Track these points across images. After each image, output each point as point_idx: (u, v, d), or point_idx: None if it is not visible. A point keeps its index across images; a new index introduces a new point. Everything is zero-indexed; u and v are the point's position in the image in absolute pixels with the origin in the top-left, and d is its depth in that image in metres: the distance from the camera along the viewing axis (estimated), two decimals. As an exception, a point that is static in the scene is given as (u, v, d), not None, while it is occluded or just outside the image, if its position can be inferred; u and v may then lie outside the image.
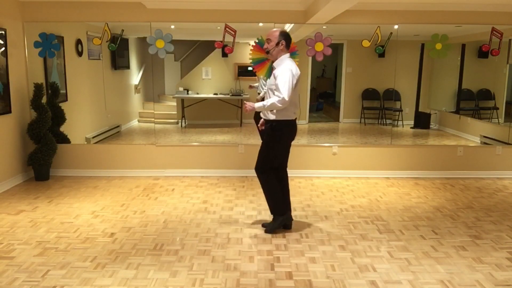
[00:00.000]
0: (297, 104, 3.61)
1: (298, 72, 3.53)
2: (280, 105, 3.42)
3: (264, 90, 5.95)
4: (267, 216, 4.09)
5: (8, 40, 4.96)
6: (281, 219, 3.71)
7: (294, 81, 3.46)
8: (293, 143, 3.76)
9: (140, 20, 5.34)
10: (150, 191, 4.92)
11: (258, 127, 3.92)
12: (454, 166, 5.66)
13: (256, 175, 3.71)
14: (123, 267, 3.06)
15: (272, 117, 3.56)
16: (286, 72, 3.43)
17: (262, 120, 3.74)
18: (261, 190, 4.93)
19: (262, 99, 5.91)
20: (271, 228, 3.71)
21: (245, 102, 3.68)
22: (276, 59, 3.58)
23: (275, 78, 3.49)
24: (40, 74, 5.49)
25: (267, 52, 3.59)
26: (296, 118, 3.64)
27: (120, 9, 5.30)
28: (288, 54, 3.59)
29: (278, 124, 3.55)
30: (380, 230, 3.80)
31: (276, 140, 3.61)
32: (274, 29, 3.59)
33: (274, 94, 3.49)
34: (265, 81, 5.88)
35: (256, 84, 6.15)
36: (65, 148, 5.59)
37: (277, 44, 3.53)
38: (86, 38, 6.01)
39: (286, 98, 3.38)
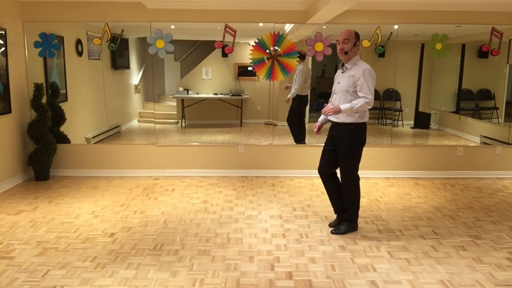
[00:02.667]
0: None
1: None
2: (369, 106, 3.40)
3: (292, 91, 6.06)
4: (267, 216, 4.10)
5: (8, 40, 4.96)
6: (353, 225, 3.72)
7: (374, 83, 3.43)
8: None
9: (140, 20, 5.34)
10: (150, 191, 4.92)
11: (315, 131, 3.81)
12: (454, 166, 5.66)
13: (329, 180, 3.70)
14: (123, 267, 3.06)
15: (350, 120, 3.49)
16: (368, 72, 3.39)
17: (319, 123, 3.69)
18: (261, 190, 4.95)
19: (295, 98, 6.01)
20: (342, 232, 3.69)
21: (325, 105, 3.55)
22: (350, 60, 3.50)
23: (354, 79, 3.42)
24: (40, 74, 5.49)
25: (345, 53, 3.46)
26: None
27: (120, 9, 5.30)
28: (359, 55, 3.53)
29: (359, 127, 3.51)
30: (380, 230, 3.80)
31: (360, 142, 3.56)
32: (347, 30, 3.49)
33: (352, 96, 3.43)
34: (300, 79, 5.96)
35: (290, 85, 6.21)
36: (65, 148, 5.59)
37: (355, 44, 3.46)
38: (86, 38, 6.00)
39: (372, 100, 3.38)
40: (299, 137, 6.05)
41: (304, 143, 5.98)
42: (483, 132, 6.52)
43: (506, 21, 5.37)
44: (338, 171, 3.74)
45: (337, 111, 3.41)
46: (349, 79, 3.46)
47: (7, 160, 5.05)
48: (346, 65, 3.53)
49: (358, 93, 3.42)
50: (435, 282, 2.88)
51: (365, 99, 3.37)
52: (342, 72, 3.56)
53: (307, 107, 6.51)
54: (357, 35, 3.48)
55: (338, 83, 3.58)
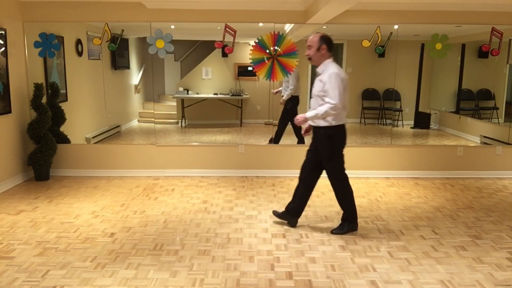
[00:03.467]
0: (345, 108, 3.52)
1: (346, 76, 3.46)
2: (333, 111, 3.38)
3: (287, 93, 6.09)
4: (267, 216, 4.10)
5: (8, 40, 4.96)
6: (352, 225, 3.72)
7: (343, 84, 3.40)
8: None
9: (140, 20, 5.34)
10: (150, 191, 4.92)
11: (302, 133, 3.85)
12: (454, 166, 5.66)
13: (333, 183, 3.71)
14: (123, 267, 3.06)
15: (324, 123, 3.49)
16: (334, 77, 3.37)
17: (308, 125, 3.69)
18: (261, 190, 4.95)
19: (289, 100, 6.02)
20: (340, 233, 3.70)
21: (296, 118, 3.59)
22: (319, 64, 3.51)
23: (323, 83, 3.42)
24: (40, 74, 5.49)
25: (309, 59, 3.51)
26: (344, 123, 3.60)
27: (120, 9, 5.30)
28: (331, 58, 3.51)
29: (334, 130, 3.51)
30: (380, 230, 3.80)
31: (337, 144, 3.57)
32: (314, 35, 3.51)
33: (323, 100, 3.43)
34: (288, 83, 6.02)
35: (280, 88, 6.23)
36: (65, 148, 5.59)
37: (318, 49, 3.47)
38: (86, 38, 6.00)
39: (338, 104, 3.35)
40: (278, 137, 6.05)
41: (304, 143, 5.98)
42: (483, 132, 6.52)
43: (506, 21, 5.37)
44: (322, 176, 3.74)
45: (304, 120, 3.52)
46: (319, 84, 3.49)
47: (7, 160, 5.05)
48: (317, 69, 3.55)
49: (324, 98, 3.42)
50: (435, 282, 2.88)
51: (329, 104, 3.37)
52: (316, 76, 3.59)
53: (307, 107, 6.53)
54: (322, 39, 3.47)
55: (314, 87, 3.62)
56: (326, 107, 3.38)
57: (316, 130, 3.60)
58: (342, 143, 3.61)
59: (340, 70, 3.45)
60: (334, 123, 3.49)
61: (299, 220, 3.96)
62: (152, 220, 4.00)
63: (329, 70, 3.42)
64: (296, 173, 5.56)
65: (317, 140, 3.63)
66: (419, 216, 4.17)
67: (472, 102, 7.13)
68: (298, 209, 3.83)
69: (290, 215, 3.84)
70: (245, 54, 5.87)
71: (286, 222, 3.89)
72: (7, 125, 5.03)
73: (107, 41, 5.34)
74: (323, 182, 5.31)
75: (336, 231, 3.70)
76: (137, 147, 5.70)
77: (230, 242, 3.52)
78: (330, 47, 3.50)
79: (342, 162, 3.68)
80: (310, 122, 3.62)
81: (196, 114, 7.85)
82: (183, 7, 5.29)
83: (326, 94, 3.41)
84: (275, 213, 3.95)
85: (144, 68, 7.99)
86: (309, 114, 3.48)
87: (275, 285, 2.83)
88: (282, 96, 6.15)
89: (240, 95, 7.74)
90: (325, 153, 3.60)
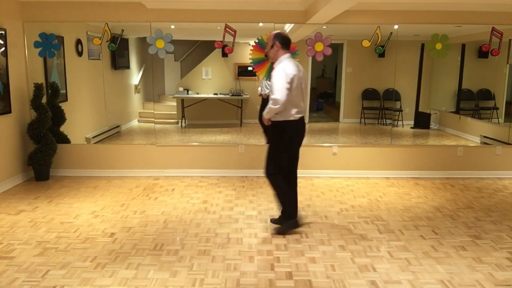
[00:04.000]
0: (299, 104, 3.53)
1: (294, 71, 3.43)
2: (274, 106, 3.38)
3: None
4: (267, 216, 4.10)
5: (8, 40, 4.96)
6: (293, 222, 3.69)
7: (288, 80, 3.39)
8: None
9: (140, 20, 5.34)
10: (150, 191, 4.92)
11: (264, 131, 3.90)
12: (454, 166, 5.66)
13: (268, 179, 3.68)
14: (123, 267, 3.06)
15: (275, 119, 3.52)
16: (278, 72, 3.41)
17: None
18: (261, 190, 4.95)
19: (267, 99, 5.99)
20: (283, 230, 3.69)
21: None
22: (275, 61, 3.56)
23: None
24: (40, 74, 5.49)
25: (266, 56, 3.61)
26: (300, 119, 3.57)
27: (120, 9, 5.30)
28: (287, 54, 3.54)
29: (279, 125, 3.53)
30: (380, 230, 3.80)
31: (279, 140, 3.58)
32: (271, 33, 3.60)
33: None
34: (269, 82, 5.92)
35: (259, 88, 6.17)
36: (65, 148, 5.59)
37: (272, 46, 3.52)
38: (86, 38, 6.01)
39: (279, 98, 3.34)
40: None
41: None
42: (483, 132, 6.52)
43: (506, 21, 5.37)
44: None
45: (264, 118, 3.58)
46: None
47: (7, 160, 5.05)
48: (273, 65, 3.61)
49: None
50: (435, 282, 2.88)
51: (271, 100, 3.41)
52: None
53: (307, 107, 6.51)
54: (275, 37, 3.52)
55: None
56: (269, 104, 3.42)
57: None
58: (287, 141, 3.59)
59: (289, 66, 3.45)
60: (280, 118, 3.50)
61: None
62: (152, 220, 4.00)
63: (277, 66, 3.48)
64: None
65: (269, 134, 3.69)
66: (419, 216, 4.17)
67: (472, 102, 7.13)
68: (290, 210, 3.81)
69: (286, 219, 3.79)
70: (245, 54, 5.87)
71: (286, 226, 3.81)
72: (7, 125, 5.04)
73: (107, 41, 5.33)
74: (323, 182, 5.33)
75: (277, 231, 3.70)
76: (137, 147, 5.70)
77: (230, 242, 3.52)
78: (284, 44, 3.53)
79: (291, 159, 3.66)
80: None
81: (196, 114, 7.86)
82: (183, 7, 5.29)
83: (270, 90, 3.48)
84: (273, 220, 3.91)
85: (144, 68, 8.00)
86: (264, 112, 3.53)
87: (275, 285, 2.83)
88: (260, 95, 5.92)
89: (240, 95, 7.75)
90: (270, 146, 3.64)
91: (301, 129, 3.63)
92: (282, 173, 3.64)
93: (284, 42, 3.53)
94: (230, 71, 7.94)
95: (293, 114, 3.52)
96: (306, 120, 7.12)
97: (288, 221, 3.69)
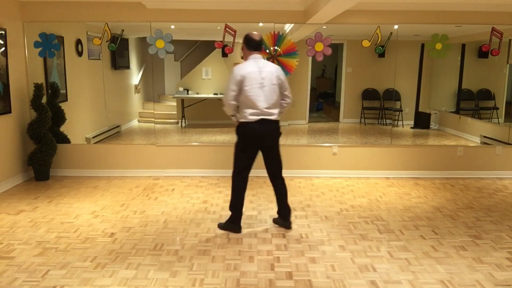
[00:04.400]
0: (256, 106, 3.41)
1: (244, 72, 3.40)
2: (224, 107, 3.50)
3: None
4: (267, 216, 4.10)
5: (8, 40, 4.96)
6: (232, 225, 3.72)
7: (234, 82, 3.39)
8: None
9: (140, 20, 5.34)
10: (150, 191, 4.92)
11: None
12: (454, 166, 5.66)
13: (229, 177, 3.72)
14: (123, 267, 3.06)
15: (237, 118, 3.59)
16: (231, 73, 3.47)
17: None
18: (261, 190, 4.95)
19: None
20: (221, 227, 3.76)
21: None
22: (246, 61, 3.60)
23: None
24: (40, 74, 5.49)
25: (242, 58, 3.66)
26: (258, 121, 3.44)
27: (120, 9, 5.30)
28: (253, 55, 3.53)
29: (238, 125, 3.56)
30: (380, 230, 3.80)
31: (238, 140, 3.60)
32: None
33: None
34: None
35: None
36: (65, 148, 5.59)
37: (242, 48, 3.60)
38: (86, 38, 6.01)
39: (223, 99, 3.46)
40: None
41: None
42: (483, 132, 6.52)
43: (506, 21, 5.37)
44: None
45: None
46: None
47: (7, 160, 5.05)
48: None
49: None
50: (435, 282, 2.88)
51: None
52: None
53: (307, 107, 6.51)
54: (243, 39, 3.58)
55: None
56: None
57: None
58: (241, 142, 3.57)
59: (242, 66, 3.45)
60: (239, 119, 3.53)
61: (300, 220, 3.97)
62: (152, 220, 4.00)
63: None
64: (296, 173, 5.59)
65: None
66: (419, 216, 4.17)
67: (472, 102, 7.13)
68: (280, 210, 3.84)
69: (231, 222, 3.78)
70: (245, 54, 5.87)
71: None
72: (7, 125, 5.04)
73: (107, 41, 5.33)
74: (323, 182, 5.33)
75: (220, 224, 3.78)
76: (137, 147, 5.70)
77: (230, 242, 3.52)
78: (248, 45, 3.54)
79: (246, 160, 3.60)
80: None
81: (196, 114, 7.85)
82: (183, 7, 5.29)
83: None
84: (274, 220, 3.93)
85: (144, 68, 8.00)
86: None
87: (275, 285, 2.83)
88: None
89: (240, 95, 7.72)
90: (234, 145, 3.65)
91: (260, 132, 3.47)
92: (243, 174, 3.65)
93: (248, 43, 3.55)
94: (230, 71, 7.94)
95: (247, 115, 3.44)
96: (306, 120, 7.12)
97: (231, 224, 3.73)
